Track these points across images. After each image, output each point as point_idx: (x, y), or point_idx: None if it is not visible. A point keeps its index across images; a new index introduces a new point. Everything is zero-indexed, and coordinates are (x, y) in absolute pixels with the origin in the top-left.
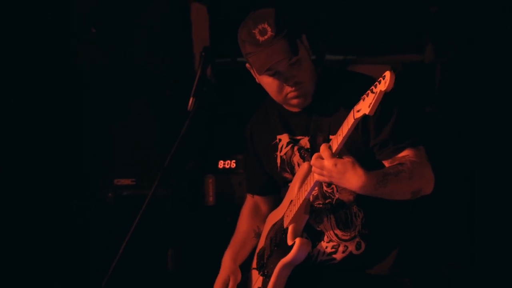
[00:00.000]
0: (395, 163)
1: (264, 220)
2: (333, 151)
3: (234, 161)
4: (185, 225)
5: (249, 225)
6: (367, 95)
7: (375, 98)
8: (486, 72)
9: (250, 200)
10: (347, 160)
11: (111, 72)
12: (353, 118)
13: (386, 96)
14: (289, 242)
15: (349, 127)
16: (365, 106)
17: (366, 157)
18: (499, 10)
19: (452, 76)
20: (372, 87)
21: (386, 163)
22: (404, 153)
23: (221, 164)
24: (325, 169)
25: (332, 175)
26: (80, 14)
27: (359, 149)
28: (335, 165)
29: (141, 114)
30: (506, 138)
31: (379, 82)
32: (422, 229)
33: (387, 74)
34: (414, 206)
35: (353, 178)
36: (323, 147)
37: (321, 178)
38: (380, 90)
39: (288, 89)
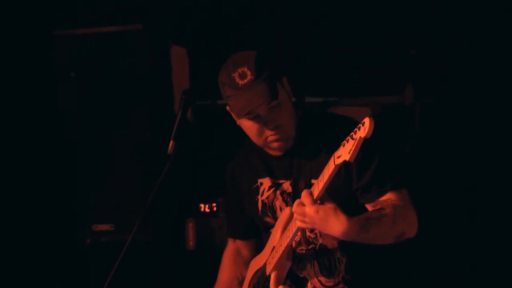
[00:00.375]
0: (377, 207)
1: (246, 266)
2: (315, 197)
3: (214, 204)
4: (166, 270)
5: (232, 273)
6: (347, 141)
7: (354, 145)
8: (465, 113)
9: (231, 245)
10: (329, 206)
11: (91, 116)
12: (333, 164)
13: (366, 140)
14: None
15: (329, 173)
16: (345, 152)
17: (349, 201)
18: (477, 52)
19: (432, 117)
20: (352, 133)
21: (369, 207)
22: (387, 196)
23: (202, 207)
24: (307, 216)
25: (315, 222)
26: (61, 59)
27: (341, 194)
28: (317, 211)
29: (121, 158)
30: (487, 178)
31: (359, 129)
32: (406, 273)
33: (366, 120)
34: (398, 250)
35: (335, 225)
36: (304, 194)
37: (303, 225)
38: (360, 137)
39: (268, 132)
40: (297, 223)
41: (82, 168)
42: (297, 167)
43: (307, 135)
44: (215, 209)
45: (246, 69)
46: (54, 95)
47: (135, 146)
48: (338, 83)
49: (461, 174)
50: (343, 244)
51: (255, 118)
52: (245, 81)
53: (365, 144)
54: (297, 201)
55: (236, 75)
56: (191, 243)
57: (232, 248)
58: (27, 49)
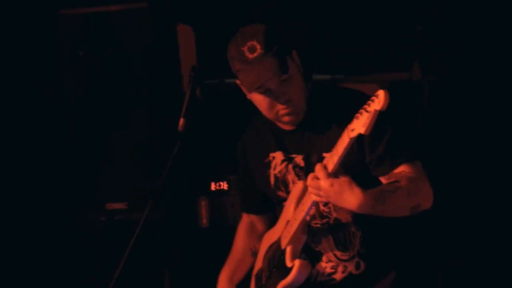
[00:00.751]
0: (392, 180)
1: (260, 238)
2: (329, 171)
3: (226, 182)
4: (180, 248)
5: (245, 243)
6: (361, 114)
7: (370, 117)
8: (473, 90)
9: (245, 219)
10: (343, 179)
11: (100, 95)
12: (348, 137)
13: (380, 113)
14: (288, 264)
15: (344, 146)
16: (359, 125)
17: (362, 174)
18: (484, 28)
19: (440, 93)
20: (366, 106)
21: (383, 180)
22: (401, 168)
23: (213, 185)
24: (321, 189)
25: (329, 195)
26: (66, 38)
27: (355, 166)
28: (332, 185)
29: (132, 136)
30: (493, 155)
31: (373, 101)
32: (421, 245)
33: (381, 93)
34: (412, 222)
35: (350, 198)
36: (318, 167)
37: (318, 199)
38: (375, 109)
39: (279, 106)
40: (311, 197)
41: (93, 148)
42: (308, 140)
43: (318, 109)
44: (226, 186)
45: (255, 43)
46: (59, 75)
47: (146, 124)
48: (345, 60)
49: (468, 150)
50: (358, 218)
51: (265, 92)
52: (255, 54)
53: (378, 117)
54: (311, 175)
55: (245, 48)
56: (204, 221)
57: (246, 221)
58: (32, 28)
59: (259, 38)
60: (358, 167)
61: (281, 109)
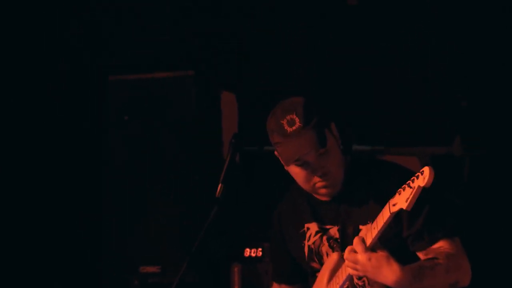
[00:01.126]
0: (430, 256)
1: None
2: (367, 244)
3: (260, 249)
4: None
5: None
6: (404, 189)
7: (413, 193)
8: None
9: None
10: (381, 254)
11: (142, 158)
12: (389, 212)
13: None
14: None
15: (384, 220)
16: (401, 201)
17: (399, 249)
18: None
19: (480, 169)
20: (409, 181)
21: (421, 255)
22: (439, 244)
23: (247, 252)
24: (359, 263)
25: (367, 270)
26: (115, 103)
27: (392, 241)
28: (370, 259)
29: (168, 200)
30: None
31: (417, 177)
32: None
33: (426, 169)
34: None
35: (388, 273)
36: (356, 241)
37: (355, 273)
38: (419, 186)
39: (316, 179)
40: (348, 270)
41: (132, 209)
42: (345, 212)
43: (356, 181)
44: (260, 253)
45: (294, 116)
46: (108, 140)
47: (183, 188)
48: (386, 132)
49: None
50: None
51: (303, 164)
52: (294, 128)
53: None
54: (348, 248)
55: (284, 122)
56: (236, 287)
57: None
58: (84, 93)
59: (298, 112)
60: (396, 242)
61: (318, 181)
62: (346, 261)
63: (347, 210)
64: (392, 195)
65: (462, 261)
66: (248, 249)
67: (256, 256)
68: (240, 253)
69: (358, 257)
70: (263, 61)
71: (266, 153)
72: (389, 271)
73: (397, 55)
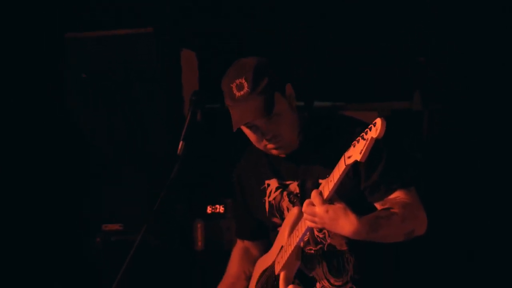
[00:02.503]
0: (386, 206)
1: (254, 264)
2: (324, 197)
3: (222, 205)
4: (174, 270)
5: (239, 268)
6: (358, 142)
7: (366, 145)
8: (473, 121)
9: (239, 244)
10: (338, 206)
11: (100, 117)
12: (344, 164)
13: (376, 141)
14: None
15: (340, 173)
16: (356, 153)
17: (357, 201)
18: (485, 61)
19: (439, 124)
20: (363, 133)
21: (378, 206)
22: (396, 194)
23: (209, 209)
24: (317, 215)
25: (324, 222)
26: (72, 61)
27: (350, 193)
28: (327, 211)
29: (130, 158)
30: (493, 182)
31: (370, 129)
32: (415, 272)
33: (378, 121)
34: (406, 249)
35: (345, 224)
36: (314, 194)
37: (313, 225)
38: (371, 137)
39: (266, 141)
40: (307, 223)
41: (91, 169)
42: (304, 167)
43: (314, 137)
44: (222, 210)
45: (243, 81)
46: (65, 98)
47: (144, 147)
48: (346, 88)
49: (467, 179)
50: (352, 244)
51: (252, 127)
52: (242, 93)
53: (375, 144)
54: (306, 201)
55: (234, 86)
56: (199, 243)
57: (241, 246)
58: (39, 51)
59: (248, 76)
60: (353, 194)
61: (268, 144)
62: (305, 214)
63: (306, 165)
64: (349, 148)
65: (418, 211)
66: (210, 206)
67: (218, 213)
68: (202, 210)
69: (316, 210)
70: (223, 17)
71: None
72: (346, 222)
73: (358, 11)
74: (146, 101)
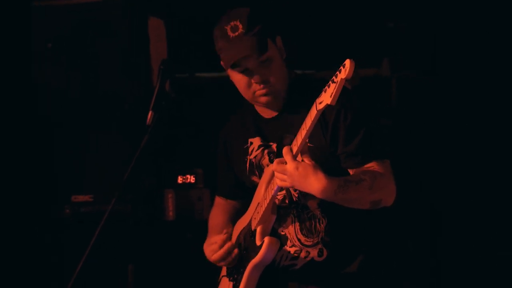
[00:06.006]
0: (358, 173)
1: (232, 223)
2: (294, 152)
3: (193, 175)
4: (145, 240)
5: (223, 218)
6: (328, 86)
7: (336, 87)
8: (441, 87)
9: (219, 201)
10: (308, 164)
11: (69, 87)
12: (315, 110)
13: (356, 109)
14: (258, 243)
15: (312, 119)
16: (327, 97)
17: (332, 165)
18: (455, 27)
19: (407, 90)
20: (333, 77)
21: (351, 172)
22: (370, 164)
23: (180, 179)
24: (287, 173)
25: (294, 179)
26: (38, 29)
27: (325, 156)
28: (297, 168)
29: (99, 129)
30: (456, 152)
31: (340, 71)
32: (386, 240)
33: (347, 62)
34: (378, 217)
35: (314, 182)
36: (285, 150)
37: (283, 184)
38: (341, 78)
39: (256, 86)
40: (276, 181)
41: (61, 140)
42: (284, 127)
43: (298, 98)
44: (193, 180)
45: (238, 23)
46: (30, 68)
47: (114, 117)
48: (315, 55)
49: (434, 147)
50: (324, 206)
51: (244, 71)
52: (236, 33)
53: (354, 112)
54: (277, 160)
55: (228, 27)
56: (170, 213)
57: (220, 202)
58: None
59: (243, 19)
60: (328, 157)
61: (258, 89)
62: (275, 172)
63: (287, 124)
64: (320, 94)
65: (389, 183)
66: (180, 176)
67: (189, 183)
68: (173, 180)
69: (286, 167)
70: None
71: (197, 80)
72: (315, 180)
73: None
74: (114, 71)
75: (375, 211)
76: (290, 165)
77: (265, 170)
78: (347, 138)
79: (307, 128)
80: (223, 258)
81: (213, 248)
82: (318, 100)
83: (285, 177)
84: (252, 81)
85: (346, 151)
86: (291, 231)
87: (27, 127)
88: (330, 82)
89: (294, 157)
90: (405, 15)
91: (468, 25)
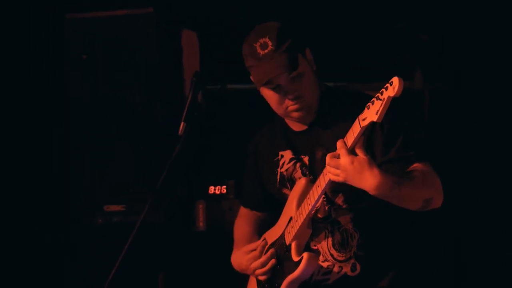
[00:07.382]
0: (408, 171)
1: (258, 234)
2: (348, 146)
3: (224, 186)
4: (176, 250)
5: (249, 228)
6: (372, 103)
7: (383, 105)
8: (473, 101)
9: (243, 212)
10: (364, 158)
11: (102, 98)
12: (359, 127)
13: (390, 115)
14: (295, 258)
15: (355, 136)
16: (371, 114)
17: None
18: (487, 42)
19: (440, 103)
20: (378, 94)
21: None
22: (414, 165)
23: (211, 189)
24: (341, 167)
25: (348, 174)
26: (72, 41)
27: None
28: (352, 162)
29: (132, 139)
30: (490, 166)
31: (386, 89)
32: (420, 254)
33: (395, 79)
34: (413, 230)
35: (369, 177)
36: (339, 144)
37: (336, 178)
38: (389, 96)
39: (288, 102)
40: (329, 176)
41: (94, 150)
42: (316, 140)
43: (330, 109)
44: (224, 191)
45: (267, 40)
46: (64, 79)
47: (146, 127)
48: (348, 68)
49: (468, 161)
50: (357, 220)
51: (275, 88)
52: (266, 51)
53: (389, 119)
54: (329, 154)
55: (257, 45)
56: (200, 224)
57: (246, 213)
58: (39, 31)
59: (271, 35)
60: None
61: (291, 105)
62: (327, 167)
63: (320, 137)
64: (362, 111)
65: (436, 180)
66: (212, 187)
67: (220, 193)
68: (204, 190)
69: (340, 161)
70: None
71: (229, 92)
72: (370, 175)
73: None
74: (147, 83)
75: (405, 225)
76: (345, 159)
77: (296, 182)
78: (385, 148)
79: (349, 145)
80: (264, 264)
81: (254, 254)
82: (361, 117)
83: (338, 171)
84: (284, 97)
85: (385, 160)
86: (323, 245)
87: (62, 137)
88: (374, 99)
89: (349, 151)
90: (438, 27)
91: (502, 38)
